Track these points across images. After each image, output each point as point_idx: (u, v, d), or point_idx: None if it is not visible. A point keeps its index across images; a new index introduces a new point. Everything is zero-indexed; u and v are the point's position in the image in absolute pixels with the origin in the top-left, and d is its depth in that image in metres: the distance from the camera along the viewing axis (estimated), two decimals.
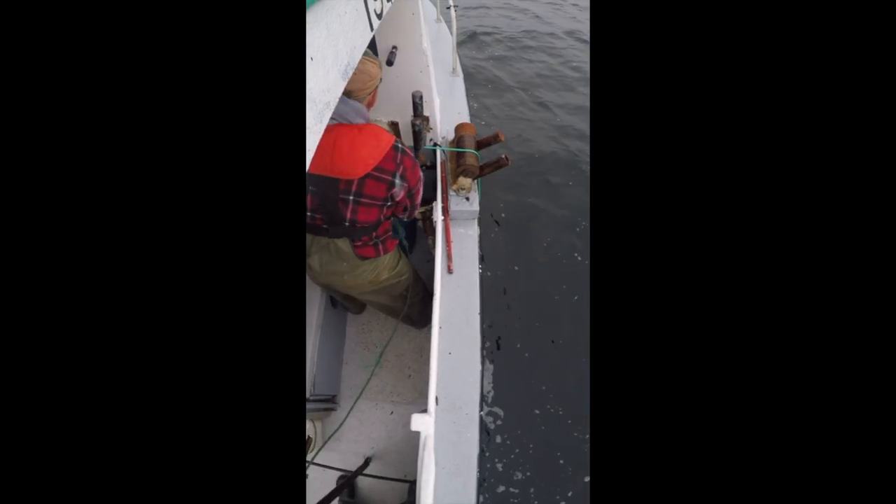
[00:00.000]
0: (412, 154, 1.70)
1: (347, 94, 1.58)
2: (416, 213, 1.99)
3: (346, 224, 1.67)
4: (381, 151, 1.59)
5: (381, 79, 1.73)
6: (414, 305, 2.30)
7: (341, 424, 2.23)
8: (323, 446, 2.20)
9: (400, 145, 1.64)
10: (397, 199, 1.69)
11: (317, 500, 1.64)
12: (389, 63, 2.05)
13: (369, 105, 1.71)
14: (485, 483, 2.47)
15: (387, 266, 1.91)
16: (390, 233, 1.88)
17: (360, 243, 1.76)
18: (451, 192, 2.32)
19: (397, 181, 1.64)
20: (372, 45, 2.01)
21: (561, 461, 2.53)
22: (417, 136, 2.14)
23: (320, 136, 0.71)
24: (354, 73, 1.57)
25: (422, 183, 1.83)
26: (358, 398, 2.26)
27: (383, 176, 1.60)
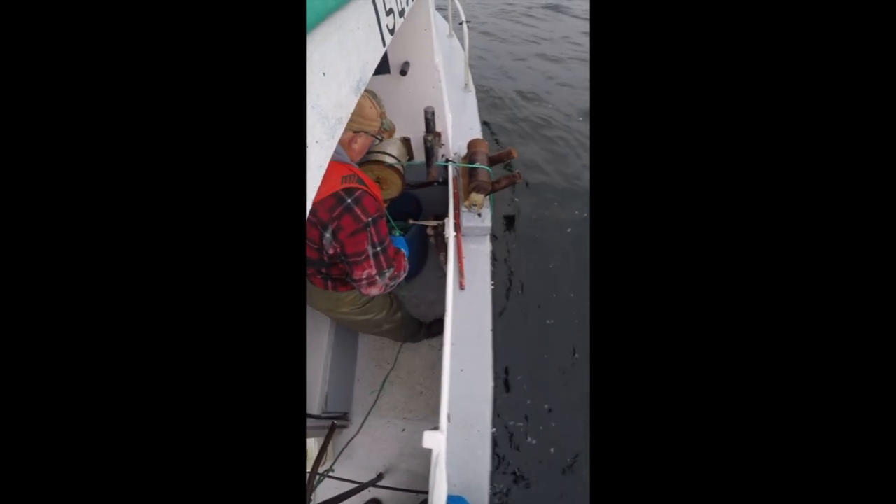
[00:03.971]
0: (364, 217, 1.43)
1: None
2: (370, 291, 1.62)
3: None
4: (318, 195, 1.36)
5: (379, 130, 1.59)
6: (390, 332, 2.33)
7: (351, 440, 2.22)
8: (336, 459, 2.19)
9: (349, 200, 1.40)
10: (329, 251, 1.49)
11: None
12: (403, 73, 2.07)
13: (350, 145, 1.55)
14: (497, 499, 2.44)
15: (347, 302, 1.82)
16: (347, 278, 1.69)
17: (310, 271, 1.67)
18: (464, 209, 2.32)
19: (327, 234, 1.44)
20: (384, 61, 2.03)
21: (565, 482, 2.49)
22: (429, 151, 2.14)
23: (332, 150, 0.71)
24: None
25: (368, 259, 1.51)
26: (366, 417, 2.26)
27: (314, 219, 1.42)
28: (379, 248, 1.51)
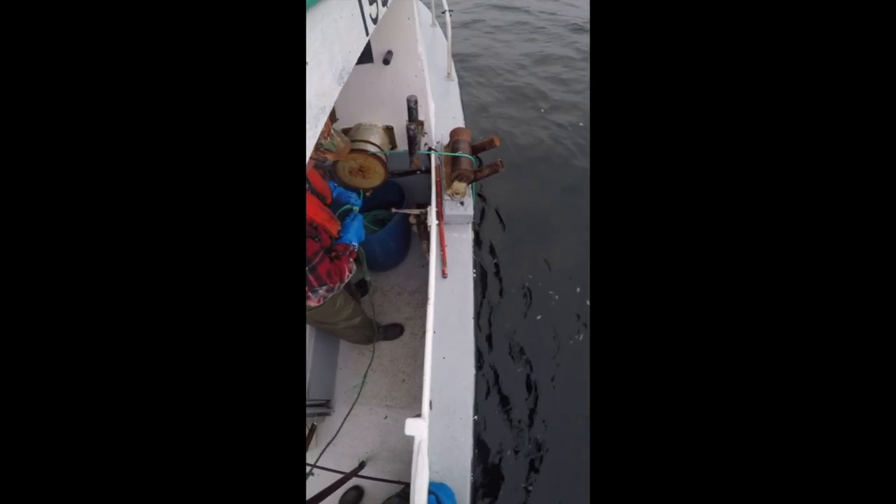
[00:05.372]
0: None
1: None
2: (309, 304, 1.64)
3: None
4: None
5: (319, 151, 1.52)
6: (344, 333, 2.37)
7: (338, 432, 2.23)
8: (325, 450, 2.20)
9: None
10: None
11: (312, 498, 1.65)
12: (386, 62, 2.05)
13: None
14: (478, 486, 2.47)
15: None
16: None
17: None
18: (446, 197, 2.32)
19: None
20: (367, 50, 2.02)
21: (557, 471, 2.53)
22: (412, 140, 2.13)
23: (315, 140, 0.71)
24: None
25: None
26: (350, 410, 2.26)
27: None
28: (306, 268, 1.49)
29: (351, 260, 1.73)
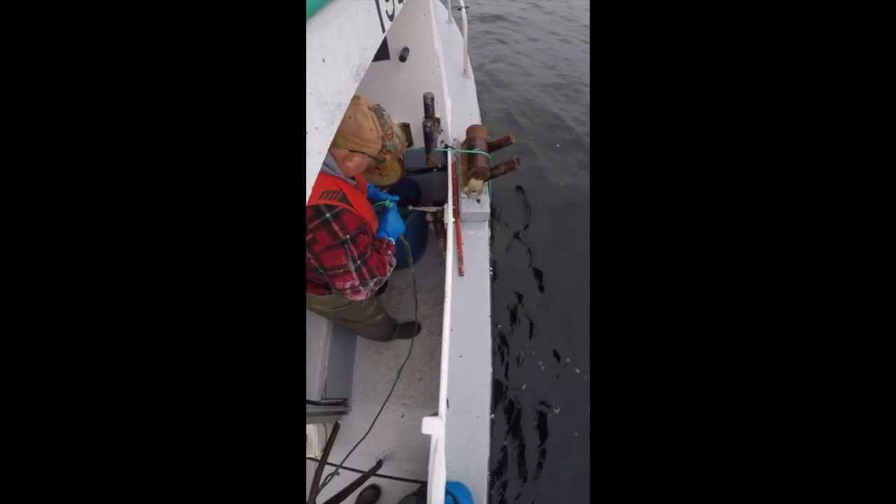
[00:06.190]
0: (342, 234, 1.43)
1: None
2: (356, 297, 1.61)
3: None
4: None
5: (380, 152, 1.53)
6: (364, 331, 2.41)
7: (369, 430, 2.23)
8: (353, 450, 2.21)
9: (328, 215, 1.40)
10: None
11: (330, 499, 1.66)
12: (402, 59, 2.05)
13: (345, 162, 1.50)
14: (495, 486, 2.46)
15: (321, 302, 1.85)
16: (319, 283, 1.74)
17: None
18: (462, 194, 2.31)
19: None
20: (383, 47, 2.01)
21: (565, 470, 2.52)
22: (429, 137, 2.13)
23: (332, 137, 0.71)
24: (349, 118, 1.39)
25: (350, 273, 1.51)
26: (381, 410, 2.27)
27: None
28: (360, 262, 1.51)
29: (389, 252, 1.74)
